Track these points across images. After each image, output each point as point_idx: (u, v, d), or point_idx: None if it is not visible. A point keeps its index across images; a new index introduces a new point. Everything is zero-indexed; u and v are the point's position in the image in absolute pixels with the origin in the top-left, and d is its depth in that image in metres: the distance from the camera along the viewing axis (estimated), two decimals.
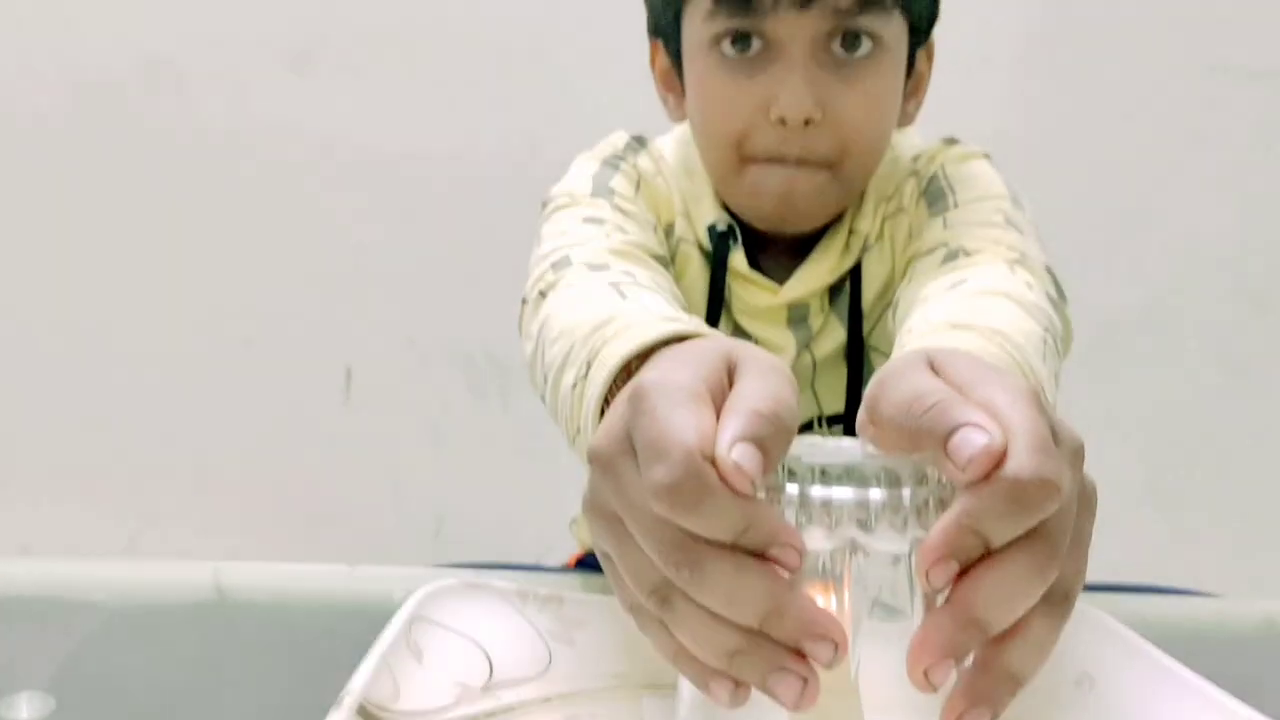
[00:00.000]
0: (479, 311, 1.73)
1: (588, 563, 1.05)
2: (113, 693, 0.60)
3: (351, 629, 0.56)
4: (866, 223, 0.86)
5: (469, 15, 1.72)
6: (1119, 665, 0.57)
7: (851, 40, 0.78)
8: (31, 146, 1.72)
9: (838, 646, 0.38)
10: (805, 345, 0.87)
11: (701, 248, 0.87)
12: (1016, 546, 0.38)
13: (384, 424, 1.75)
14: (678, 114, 0.89)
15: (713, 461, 0.37)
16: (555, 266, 0.75)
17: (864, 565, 0.44)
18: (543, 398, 0.70)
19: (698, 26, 0.81)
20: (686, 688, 0.46)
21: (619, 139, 0.91)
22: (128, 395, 1.74)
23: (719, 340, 0.46)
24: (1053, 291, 0.74)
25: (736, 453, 0.37)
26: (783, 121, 0.78)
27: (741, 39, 0.78)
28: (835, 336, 0.87)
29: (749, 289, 0.86)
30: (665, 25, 0.86)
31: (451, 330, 1.74)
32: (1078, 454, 0.42)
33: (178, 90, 1.71)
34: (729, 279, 0.86)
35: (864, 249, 0.86)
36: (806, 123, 0.78)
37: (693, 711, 0.46)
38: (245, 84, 1.71)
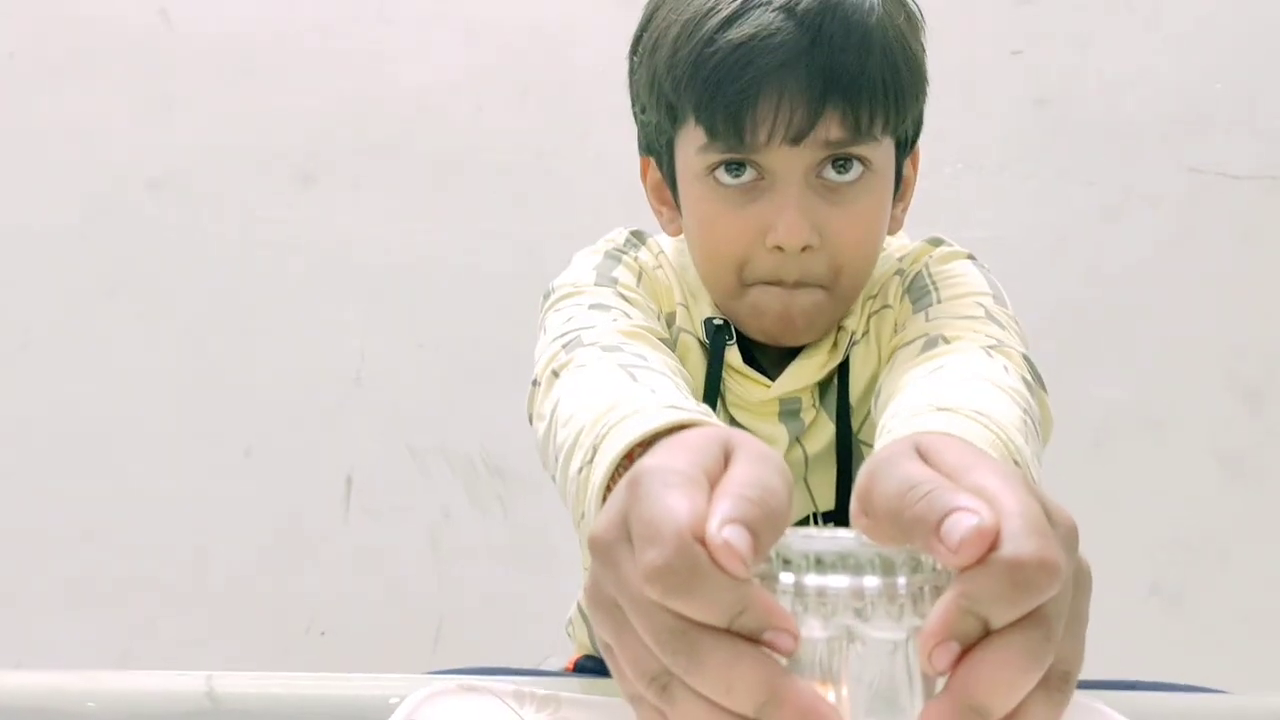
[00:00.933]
0: (478, 420, 1.74)
1: (586, 666, 1.04)
2: None
3: None
4: (854, 320, 0.88)
5: (468, 129, 1.75)
6: None
7: (842, 165, 0.80)
8: (41, 257, 1.74)
9: None
10: (796, 438, 0.88)
11: (699, 340, 0.88)
12: (1014, 629, 0.37)
13: (384, 532, 1.74)
14: (672, 228, 0.90)
15: (704, 544, 0.37)
16: (567, 347, 0.77)
17: (861, 654, 0.44)
18: (554, 478, 0.71)
19: (692, 155, 0.82)
20: None
21: (619, 234, 0.93)
22: (126, 505, 1.73)
23: (719, 429, 0.47)
24: (1029, 377, 0.75)
25: (726, 533, 0.37)
26: (780, 249, 0.80)
27: (736, 167, 0.80)
28: (826, 432, 0.88)
29: (742, 383, 0.87)
30: (658, 147, 0.87)
31: (451, 439, 1.75)
32: (1071, 534, 0.42)
33: (184, 204, 1.74)
34: (724, 372, 0.87)
35: (851, 345, 0.87)
36: (804, 249, 0.80)
37: None
38: (249, 198, 1.74)
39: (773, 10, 0.76)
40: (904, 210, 0.90)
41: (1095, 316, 1.72)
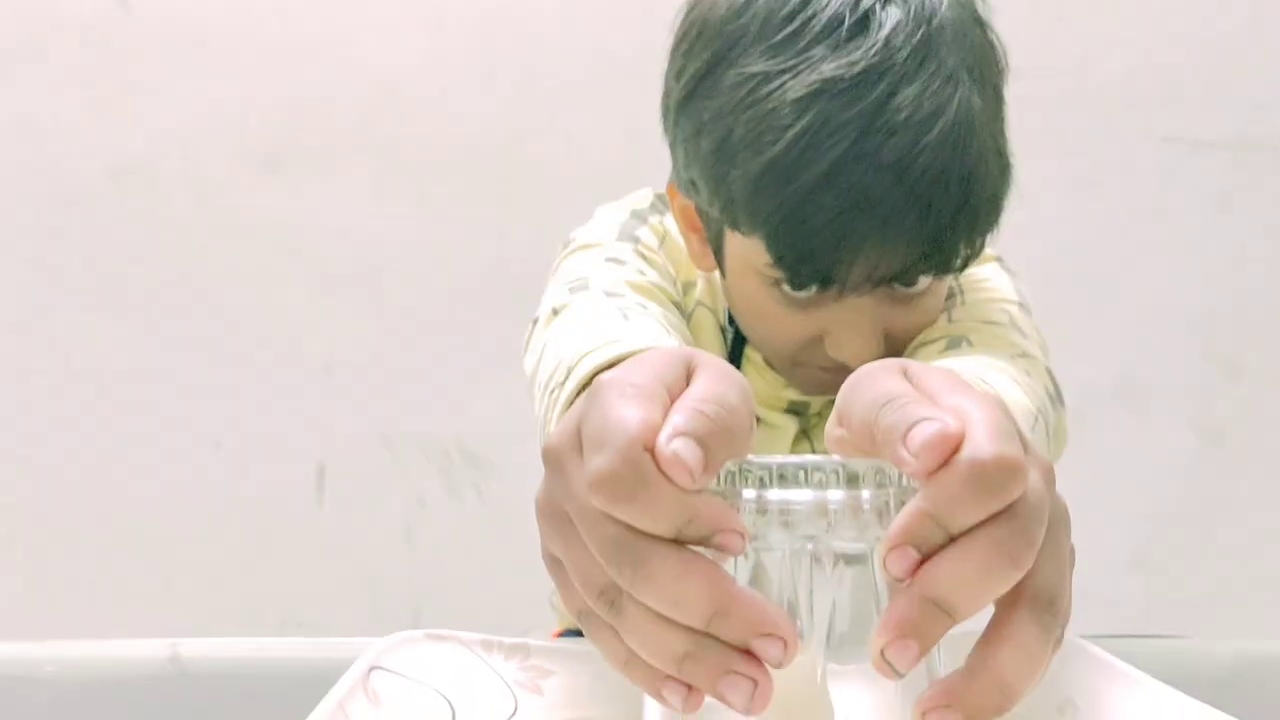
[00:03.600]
0: (451, 407, 1.73)
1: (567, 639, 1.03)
2: None
3: (315, 696, 0.54)
4: None
5: (436, 113, 1.74)
6: (1102, 690, 0.55)
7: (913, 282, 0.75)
8: (2, 250, 1.72)
9: (787, 644, 0.37)
10: (803, 431, 0.86)
11: (719, 322, 0.85)
12: (980, 529, 0.37)
13: (358, 522, 1.73)
14: (704, 263, 0.82)
15: (654, 455, 0.37)
16: (572, 289, 0.75)
17: (825, 568, 0.43)
18: (536, 413, 0.71)
19: (750, 254, 0.74)
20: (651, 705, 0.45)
21: (644, 196, 0.88)
22: (94, 500, 1.71)
23: (684, 348, 0.46)
24: (1051, 388, 0.73)
25: (676, 445, 0.36)
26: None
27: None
28: None
29: (758, 374, 0.84)
30: (705, 215, 0.78)
31: (424, 426, 1.73)
32: (1049, 472, 0.41)
33: (146, 193, 1.72)
34: (742, 362, 0.84)
35: None
36: None
37: None
38: (214, 185, 1.73)
39: (879, 168, 0.67)
40: None
41: (1070, 289, 1.72)
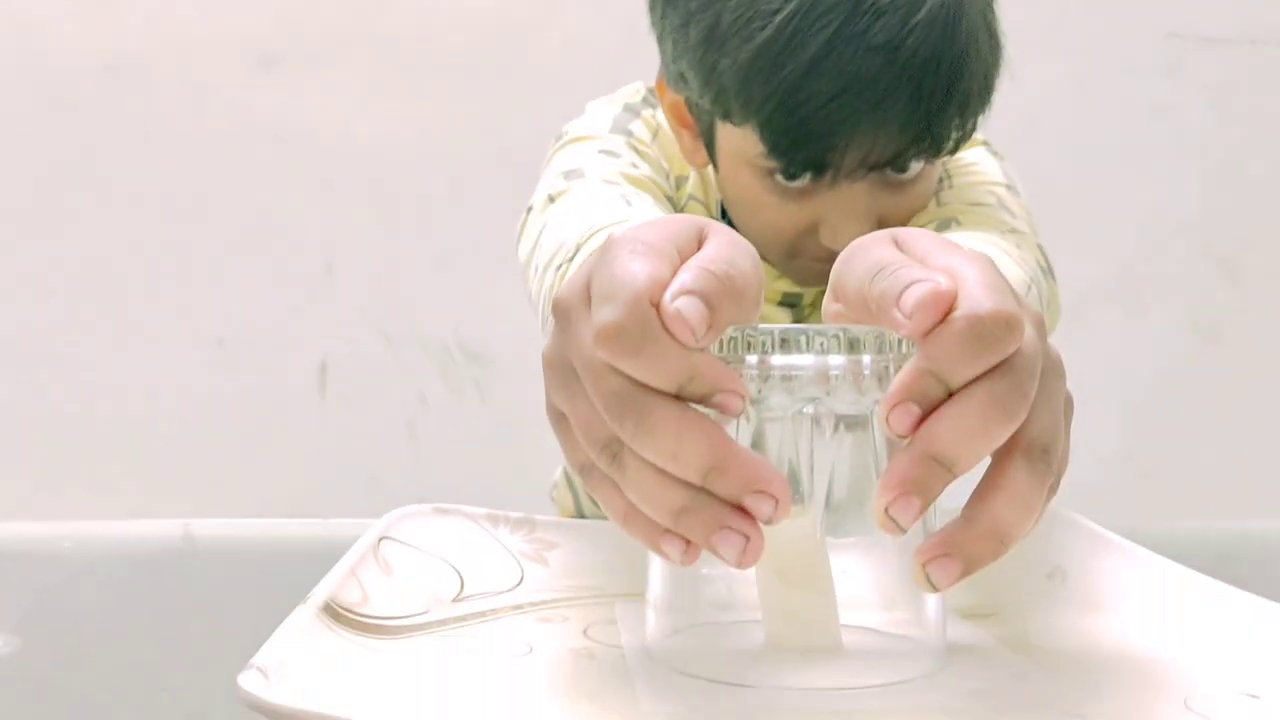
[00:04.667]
0: (452, 305, 1.73)
1: None
2: (76, 632, 0.59)
3: (324, 573, 0.55)
4: None
5: (434, 8, 1.72)
6: (1089, 557, 0.57)
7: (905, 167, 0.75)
8: None
9: (778, 502, 0.38)
10: (797, 324, 0.86)
11: (710, 213, 0.85)
12: (976, 383, 0.38)
13: (360, 419, 1.74)
14: (697, 159, 0.82)
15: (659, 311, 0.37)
16: (567, 176, 0.75)
17: (827, 431, 0.44)
18: (530, 296, 0.71)
19: (741, 144, 0.74)
20: (655, 561, 0.46)
21: (636, 90, 0.88)
22: (97, 401, 1.72)
23: (697, 216, 0.47)
24: (1042, 261, 0.74)
25: (680, 302, 0.37)
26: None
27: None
28: None
29: None
30: (695, 108, 0.78)
31: (424, 323, 1.74)
32: (1041, 324, 0.42)
33: (142, 90, 1.70)
34: None
35: None
36: None
37: (665, 583, 0.46)
38: (211, 82, 1.71)
39: (868, 50, 0.67)
40: None
41: (1069, 188, 1.71)
